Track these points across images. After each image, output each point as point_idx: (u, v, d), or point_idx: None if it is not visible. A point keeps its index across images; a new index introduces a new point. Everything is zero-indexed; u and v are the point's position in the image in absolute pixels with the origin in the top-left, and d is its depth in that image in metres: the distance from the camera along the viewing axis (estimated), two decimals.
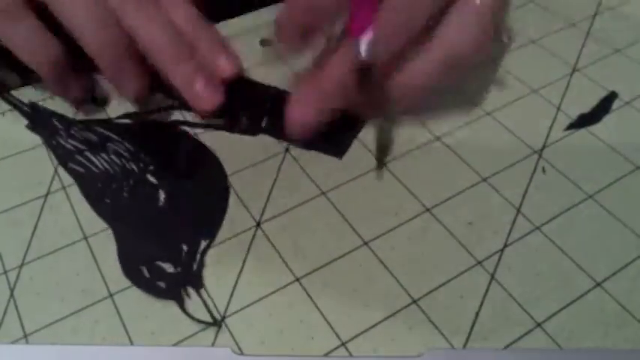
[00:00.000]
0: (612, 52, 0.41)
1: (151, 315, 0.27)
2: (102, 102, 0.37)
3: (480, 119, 0.37)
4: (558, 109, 0.37)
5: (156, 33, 0.33)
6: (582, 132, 0.36)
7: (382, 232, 0.30)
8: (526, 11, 0.45)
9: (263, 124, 0.36)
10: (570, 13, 0.44)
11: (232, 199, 0.32)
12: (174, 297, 0.28)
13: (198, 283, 0.28)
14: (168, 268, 0.29)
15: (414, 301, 0.28)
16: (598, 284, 0.29)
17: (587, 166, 0.34)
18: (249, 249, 0.30)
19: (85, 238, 0.30)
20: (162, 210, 0.31)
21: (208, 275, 0.29)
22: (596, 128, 0.36)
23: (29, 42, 0.33)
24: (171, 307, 0.28)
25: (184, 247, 0.29)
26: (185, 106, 0.35)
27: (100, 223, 0.31)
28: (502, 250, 0.30)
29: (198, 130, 0.35)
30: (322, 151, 0.34)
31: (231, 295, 0.28)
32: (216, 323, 0.27)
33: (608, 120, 0.37)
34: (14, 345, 0.26)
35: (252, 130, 0.35)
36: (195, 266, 0.29)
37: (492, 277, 0.29)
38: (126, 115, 0.36)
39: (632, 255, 0.30)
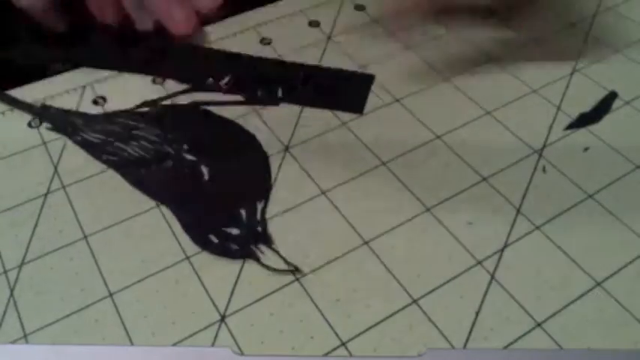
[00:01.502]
0: (612, 52, 0.41)
1: (150, 315, 0.27)
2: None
3: (479, 119, 0.37)
4: (558, 109, 0.37)
5: None
6: (582, 132, 0.36)
7: (382, 232, 0.30)
8: (526, 11, 0.44)
9: (279, 95, 0.37)
10: (570, 13, 0.44)
11: None
12: (249, 255, 0.29)
13: (267, 240, 0.30)
14: (234, 231, 0.30)
15: (414, 301, 0.28)
16: (598, 284, 0.29)
17: (587, 166, 0.34)
18: None
19: (85, 237, 0.30)
20: (208, 183, 0.32)
21: (208, 275, 0.29)
22: (596, 128, 0.36)
23: None
24: (171, 307, 0.28)
25: (243, 212, 0.31)
26: (199, 87, 0.37)
27: (100, 223, 0.31)
28: (502, 250, 0.30)
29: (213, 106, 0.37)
30: (341, 109, 0.37)
31: (231, 295, 0.28)
32: (297, 270, 0.29)
33: (608, 120, 0.37)
34: (14, 345, 0.26)
35: (270, 101, 0.37)
36: (259, 226, 0.30)
37: (492, 277, 0.29)
38: (144, 104, 0.37)
39: (632, 255, 0.30)
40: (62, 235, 0.30)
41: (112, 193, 0.32)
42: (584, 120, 0.37)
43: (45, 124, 0.35)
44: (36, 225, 0.31)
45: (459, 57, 0.40)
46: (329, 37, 0.42)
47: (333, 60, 0.40)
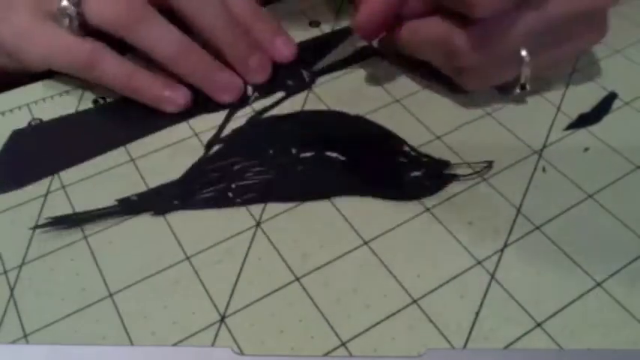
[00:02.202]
0: (612, 53, 0.41)
1: (150, 315, 0.27)
2: None
3: (480, 119, 0.37)
4: (558, 109, 0.37)
5: (212, 18, 0.35)
6: (582, 132, 0.36)
7: (382, 232, 0.30)
8: None
9: (306, 78, 0.38)
10: None
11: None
12: (447, 180, 0.32)
13: (445, 162, 0.33)
14: (417, 173, 0.33)
15: (414, 301, 0.28)
16: (598, 284, 0.29)
17: (587, 166, 0.34)
18: (249, 249, 0.30)
19: (85, 237, 0.30)
20: (349, 161, 0.33)
21: (208, 275, 0.29)
22: (596, 128, 0.36)
23: (162, 37, 0.34)
24: (171, 307, 0.28)
25: (403, 159, 0.33)
26: (237, 105, 0.37)
27: (100, 223, 0.31)
28: (502, 250, 0.30)
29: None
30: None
31: (231, 294, 0.28)
32: (490, 165, 0.32)
33: (608, 120, 0.37)
34: (14, 345, 0.26)
35: (303, 85, 0.38)
36: (425, 158, 0.33)
37: (492, 277, 0.29)
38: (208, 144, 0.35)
39: (632, 255, 0.30)
40: (62, 235, 0.30)
41: (112, 193, 0.32)
42: (584, 120, 0.37)
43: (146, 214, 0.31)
44: (36, 225, 0.31)
45: None
46: None
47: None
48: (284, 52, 0.38)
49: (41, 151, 0.34)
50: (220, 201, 0.32)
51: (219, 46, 0.36)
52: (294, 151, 0.34)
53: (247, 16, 0.37)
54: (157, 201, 0.32)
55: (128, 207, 0.31)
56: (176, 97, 0.36)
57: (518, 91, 0.35)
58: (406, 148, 0.33)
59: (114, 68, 0.35)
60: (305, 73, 0.38)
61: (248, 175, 0.33)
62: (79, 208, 0.31)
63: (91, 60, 0.34)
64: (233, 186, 0.32)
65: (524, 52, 0.33)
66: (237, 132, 0.35)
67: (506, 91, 0.36)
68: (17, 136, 0.35)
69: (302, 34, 0.42)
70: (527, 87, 0.35)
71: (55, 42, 0.34)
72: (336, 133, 0.35)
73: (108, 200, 0.32)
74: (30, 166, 0.33)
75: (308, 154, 0.34)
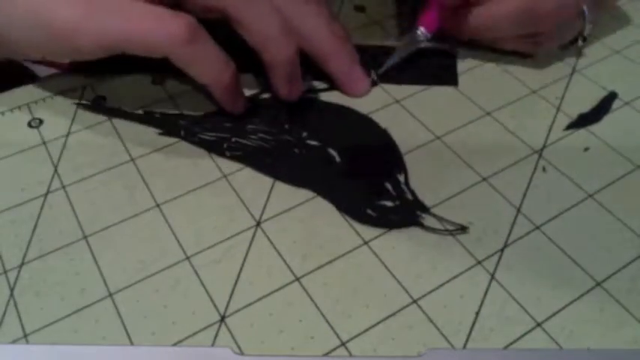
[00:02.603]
0: (612, 53, 0.41)
1: (150, 315, 0.27)
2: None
3: (480, 119, 0.37)
4: (558, 109, 0.37)
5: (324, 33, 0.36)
6: (582, 132, 0.36)
7: (382, 232, 0.30)
8: None
9: (374, 77, 0.39)
10: None
11: (232, 199, 0.32)
12: (412, 222, 0.31)
13: (422, 206, 0.31)
14: (388, 203, 0.31)
15: (414, 301, 0.28)
16: (598, 284, 0.29)
17: (587, 166, 0.34)
18: (249, 249, 0.30)
19: (85, 237, 0.30)
20: (341, 164, 0.33)
21: (208, 275, 0.29)
22: (596, 128, 0.36)
23: (209, 65, 0.32)
24: (171, 307, 0.28)
25: (388, 185, 0.32)
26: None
27: (100, 223, 0.31)
28: (502, 250, 0.30)
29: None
30: (437, 84, 0.39)
31: (231, 294, 0.28)
32: (464, 228, 0.30)
33: (608, 120, 0.37)
34: (14, 345, 0.26)
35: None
36: (409, 195, 0.32)
37: (492, 277, 0.29)
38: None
39: (632, 255, 0.30)
40: (62, 235, 0.30)
41: (111, 193, 0.32)
42: (584, 120, 0.37)
43: (154, 130, 0.35)
44: (36, 225, 0.31)
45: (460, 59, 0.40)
46: None
47: None
48: (357, 87, 0.38)
49: None
50: (213, 147, 0.34)
51: (324, 58, 0.37)
52: (304, 134, 0.35)
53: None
54: (168, 123, 0.35)
55: (151, 119, 0.36)
56: (242, 107, 0.35)
57: (580, 43, 0.39)
58: (400, 178, 0.32)
59: (214, 50, 0.31)
60: (373, 73, 0.39)
61: (252, 137, 0.34)
62: (79, 208, 0.31)
63: (192, 35, 0.30)
64: (233, 139, 0.34)
65: (585, 8, 0.37)
66: (269, 99, 0.37)
67: (567, 47, 0.40)
68: None
69: (347, 19, 0.42)
70: (586, 39, 0.39)
71: (143, 15, 0.29)
72: (348, 133, 0.35)
73: (107, 201, 0.32)
74: None
75: (313, 143, 0.34)
